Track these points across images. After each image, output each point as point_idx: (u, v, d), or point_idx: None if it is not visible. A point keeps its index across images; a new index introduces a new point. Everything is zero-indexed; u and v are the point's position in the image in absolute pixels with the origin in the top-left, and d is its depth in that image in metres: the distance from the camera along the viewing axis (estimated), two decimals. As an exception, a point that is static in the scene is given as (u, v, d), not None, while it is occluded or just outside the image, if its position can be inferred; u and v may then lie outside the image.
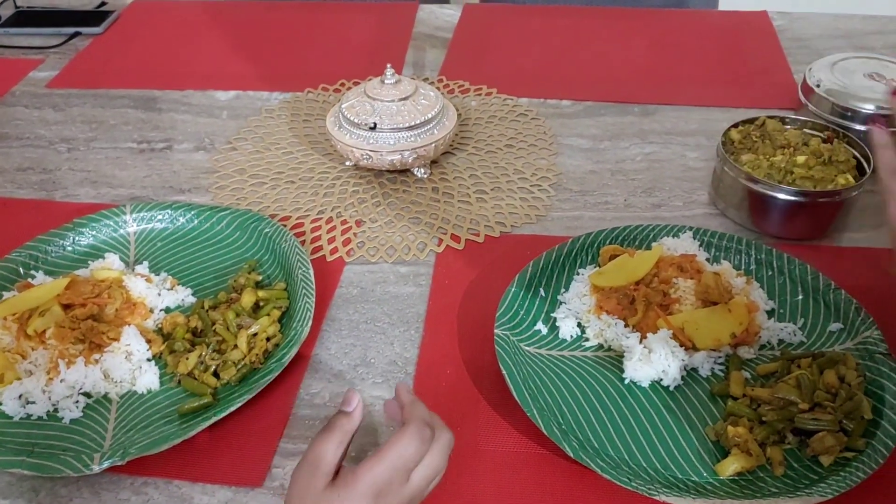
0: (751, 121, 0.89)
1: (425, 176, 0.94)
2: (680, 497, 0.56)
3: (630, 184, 0.93)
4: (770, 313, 0.73)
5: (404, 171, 0.95)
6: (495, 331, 0.69)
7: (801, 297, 0.74)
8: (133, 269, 0.78)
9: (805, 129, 0.87)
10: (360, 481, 0.50)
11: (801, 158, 0.82)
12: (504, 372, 0.65)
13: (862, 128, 0.90)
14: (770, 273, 0.77)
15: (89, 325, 0.68)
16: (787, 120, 0.89)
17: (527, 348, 0.71)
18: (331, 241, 0.85)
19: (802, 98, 0.95)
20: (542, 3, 1.41)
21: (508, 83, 1.13)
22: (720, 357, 0.69)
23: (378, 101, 0.90)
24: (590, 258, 0.79)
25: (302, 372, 0.70)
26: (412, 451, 0.51)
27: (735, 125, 0.89)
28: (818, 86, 0.93)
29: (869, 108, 0.89)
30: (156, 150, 1.01)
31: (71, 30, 1.29)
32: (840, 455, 0.59)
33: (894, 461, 0.59)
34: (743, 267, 0.77)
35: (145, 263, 0.79)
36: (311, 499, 0.50)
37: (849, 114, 0.90)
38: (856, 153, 0.84)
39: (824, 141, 0.86)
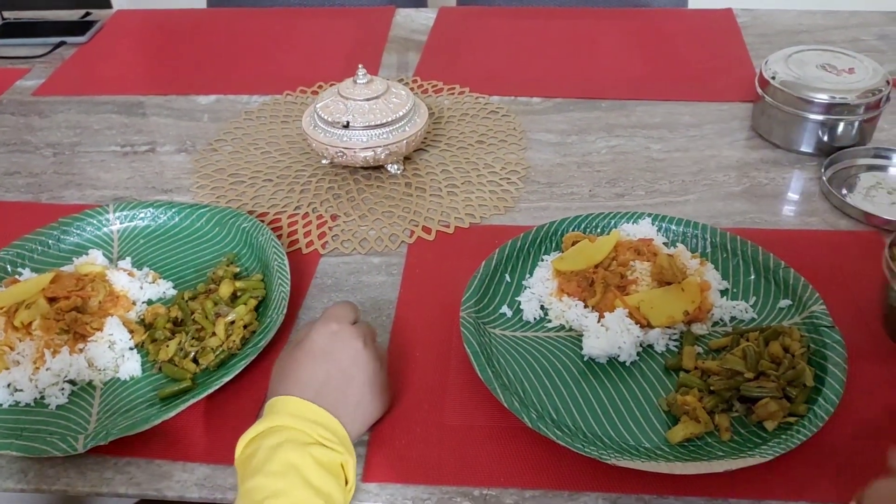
0: None
1: (398, 172, 0.98)
2: (630, 461, 0.59)
3: (595, 175, 0.97)
4: (723, 292, 0.77)
5: (378, 168, 0.99)
6: (461, 314, 0.73)
7: (753, 276, 0.78)
8: (116, 265, 0.81)
9: None
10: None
11: None
12: (468, 351, 0.69)
13: (816, 117, 0.94)
14: (724, 255, 0.80)
15: (73, 317, 0.72)
16: None
17: (492, 330, 0.74)
18: (307, 234, 0.88)
19: (759, 90, 0.99)
20: (514, 5, 1.45)
21: (480, 82, 1.17)
22: (675, 333, 0.73)
23: (351, 101, 0.94)
24: (553, 245, 0.83)
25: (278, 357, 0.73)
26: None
27: None
28: (773, 78, 0.97)
29: (820, 97, 0.93)
30: (139, 153, 1.05)
31: (56, 39, 1.33)
32: (783, 420, 0.63)
33: (833, 425, 0.62)
34: (699, 250, 0.81)
35: (128, 259, 0.83)
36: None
37: (802, 103, 0.94)
38: None
39: None
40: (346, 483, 0.58)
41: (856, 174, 0.95)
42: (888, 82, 0.95)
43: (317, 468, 0.55)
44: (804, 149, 0.97)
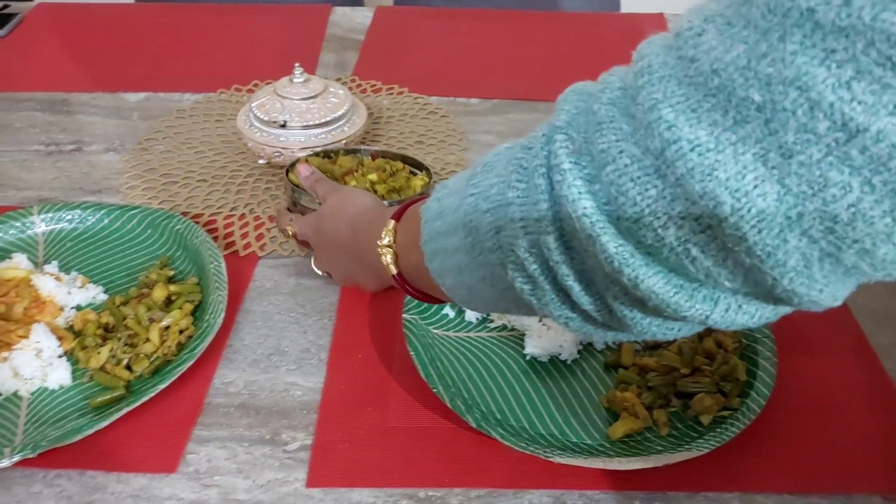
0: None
1: (338, 172, 0.97)
2: (573, 458, 0.60)
3: (534, 176, 0.98)
4: (659, 290, 0.79)
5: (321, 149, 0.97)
6: (404, 315, 0.73)
7: (687, 274, 0.80)
8: (42, 269, 0.78)
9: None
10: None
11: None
12: (411, 353, 0.68)
13: None
14: (660, 254, 0.82)
15: (-4, 324, 0.68)
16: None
17: (435, 331, 0.74)
18: (244, 236, 0.86)
19: None
20: (452, 6, 1.46)
21: (419, 82, 1.17)
22: (614, 332, 0.74)
23: (288, 100, 0.92)
24: (495, 245, 0.84)
25: (216, 362, 0.71)
26: None
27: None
28: None
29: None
30: (64, 153, 1.01)
31: (-28, 33, 1.26)
32: (718, 414, 0.65)
33: (765, 418, 0.65)
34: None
35: (55, 263, 0.79)
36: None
37: None
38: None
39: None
40: None
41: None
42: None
43: None
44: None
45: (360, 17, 1.36)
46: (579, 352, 0.72)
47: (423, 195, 0.58)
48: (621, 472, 0.61)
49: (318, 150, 0.89)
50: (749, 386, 0.67)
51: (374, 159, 0.87)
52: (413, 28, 1.33)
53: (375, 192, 0.80)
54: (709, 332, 0.70)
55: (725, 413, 0.65)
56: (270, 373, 0.71)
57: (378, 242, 0.59)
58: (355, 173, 0.82)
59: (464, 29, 1.33)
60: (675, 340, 0.70)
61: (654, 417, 0.65)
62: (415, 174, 0.86)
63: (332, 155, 0.87)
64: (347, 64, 1.22)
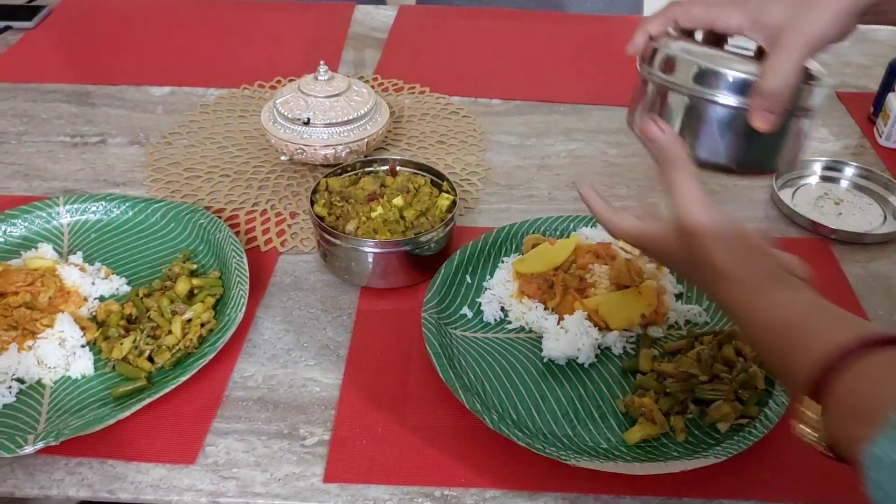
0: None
1: (359, 170, 0.97)
2: (589, 461, 0.60)
3: (554, 178, 0.98)
4: (678, 296, 0.78)
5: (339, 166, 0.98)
6: (423, 314, 0.73)
7: (706, 281, 0.80)
8: (67, 259, 0.79)
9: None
10: None
11: None
12: (430, 352, 0.69)
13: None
14: (679, 260, 0.82)
15: (22, 313, 0.69)
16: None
17: (453, 331, 0.74)
18: (265, 232, 0.87)
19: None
20: (475, 6, 1.46)
21: (441, 82, 1.17)
22: (632, 336, 0.74)
23: (312, 97, 0.93)
24: (514, 247, 0.84)
25: (236, 356, 0.72)
26: None
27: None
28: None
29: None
30: (89, 144, 1.02)
31: (1, 24, 1.28)
32: (736, 422, 0.65)
33: (783, 427, 0.65)
34: (655, 254, 0.83)
35: (79, 253, 0.80)
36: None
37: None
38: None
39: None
40: None
41: (805, 184, 0.98)
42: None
43: None
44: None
45: (383, 16, 1.37)
46: (597, 356, 0.72)
47: (837, 363, 0.46)
48: (637, 477, 0.61)
49: (335, 167, 0.86)
50: (767, 395, 0.66)
51: (392, 174, 0.85)
52: (435, 27, 1.33)
53: (404, 218, 0.79)
54: (729, 339, 0.70)
55: (743, 421, 0.65)
56: (289, 368, 0.72)
57: (800, 408, 0.49)
58: (381, 199, 0.80)
59: (486, 29, 1.33)
60: (693, 347, 0.70)
61: (671, 423, 0.65)
62: (436, 184, 0.85)
63: (348, 169, 0.85)
64: (369, 62, 1.23)
